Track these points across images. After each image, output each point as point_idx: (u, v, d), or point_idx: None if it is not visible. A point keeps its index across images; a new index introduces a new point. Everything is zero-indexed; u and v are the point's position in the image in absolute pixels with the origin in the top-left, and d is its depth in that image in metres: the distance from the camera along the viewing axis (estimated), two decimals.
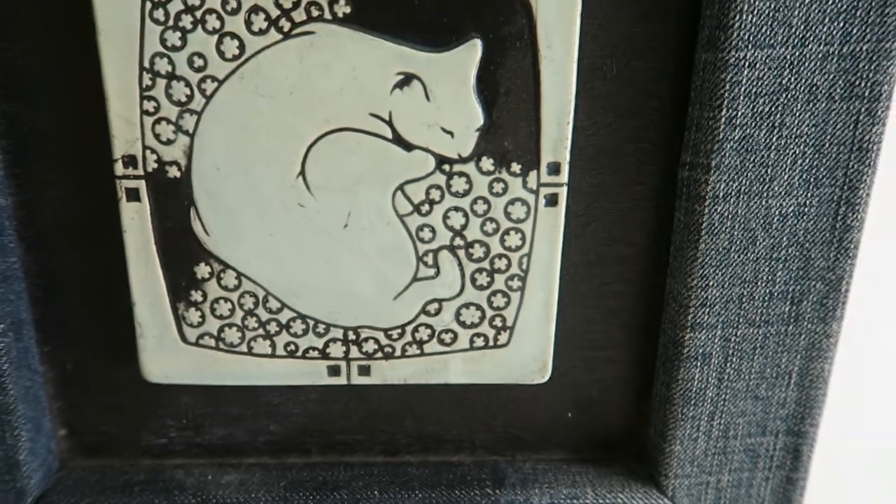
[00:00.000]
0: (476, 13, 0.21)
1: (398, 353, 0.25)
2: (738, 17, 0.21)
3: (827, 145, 0.23)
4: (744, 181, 0.23)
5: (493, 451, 0.29)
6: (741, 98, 0.22)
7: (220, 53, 0.22)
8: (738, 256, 0.24)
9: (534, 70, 0.22)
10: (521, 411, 0.28)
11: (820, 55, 0.22)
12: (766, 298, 0.25)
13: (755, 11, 0.21)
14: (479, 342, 0.25)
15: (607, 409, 0.28)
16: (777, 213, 0.24)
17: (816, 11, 0.21)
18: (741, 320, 0.25)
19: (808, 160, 0.23)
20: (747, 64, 0.22)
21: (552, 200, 0.24)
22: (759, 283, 0.24)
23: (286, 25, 0.21)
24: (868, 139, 0.23)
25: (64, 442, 0.28)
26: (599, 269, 0.26)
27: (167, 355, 0.25)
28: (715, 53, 0.22)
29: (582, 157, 0.24)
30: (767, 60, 0.22)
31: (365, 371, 0.26)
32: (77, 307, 0.26)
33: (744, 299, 0.25)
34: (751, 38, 0.21)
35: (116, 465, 0.28)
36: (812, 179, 0.23)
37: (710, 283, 0.24)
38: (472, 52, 0.22)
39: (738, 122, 0.22)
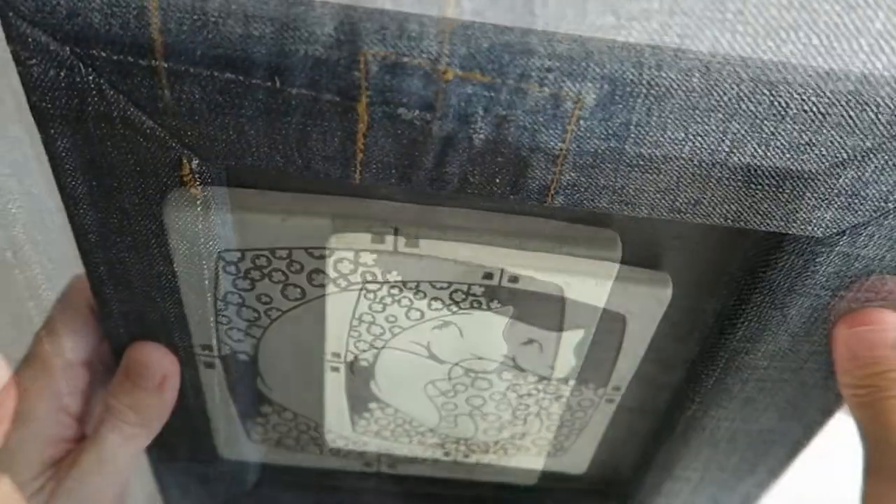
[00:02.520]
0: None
1: (419, 460, 0.32)
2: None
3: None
4: None
5: None
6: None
7: (285, 296, 0.25)
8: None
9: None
10: None
11: None
12: None
13: None
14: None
15: None
16: None
17: None
18: None
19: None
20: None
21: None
22: None
23: (343, 283, 0.24)
24: None
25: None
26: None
27: (238, 446, 0.31)
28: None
29: None
30: None
31: (392, 466, 0.32)
32: None
33: None
34: None
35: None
36: None
37: None
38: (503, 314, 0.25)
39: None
